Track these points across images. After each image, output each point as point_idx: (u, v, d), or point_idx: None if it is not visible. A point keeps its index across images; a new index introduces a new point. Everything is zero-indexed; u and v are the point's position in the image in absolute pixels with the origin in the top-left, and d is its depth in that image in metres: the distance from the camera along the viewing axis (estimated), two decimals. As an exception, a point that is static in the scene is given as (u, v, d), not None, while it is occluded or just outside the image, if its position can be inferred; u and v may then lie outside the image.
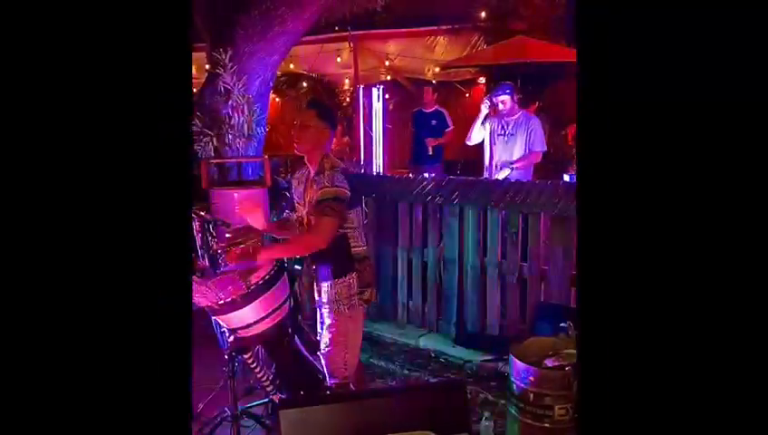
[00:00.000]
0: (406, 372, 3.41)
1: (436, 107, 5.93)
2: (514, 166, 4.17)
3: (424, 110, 5.95)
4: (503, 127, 4.28)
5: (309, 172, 2.38)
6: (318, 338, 2.46)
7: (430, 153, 5.78)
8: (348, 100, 8.40)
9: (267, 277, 2.23)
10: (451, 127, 5.86)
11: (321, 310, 2.40)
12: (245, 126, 4.57)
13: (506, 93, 4.22)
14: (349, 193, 2.24)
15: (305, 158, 2.38)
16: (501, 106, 4.24)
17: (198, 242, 2.25)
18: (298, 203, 2.46)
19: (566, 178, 4.35)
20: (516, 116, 4.24)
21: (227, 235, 2.34)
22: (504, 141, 4.26)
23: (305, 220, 2.37)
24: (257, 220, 2.44)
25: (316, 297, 2.42)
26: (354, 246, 2.32)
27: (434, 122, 5.83)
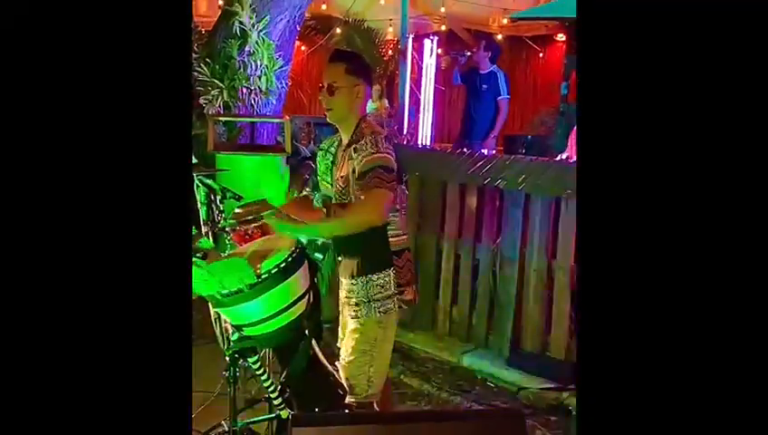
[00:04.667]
0: (444, 395, 3.42)
1: (492, 67, 5.83)
2: None
3: (479, 70, 5.83)
4: None
5: (341, 141, 2.38)
6: (339, 345, 2.48)
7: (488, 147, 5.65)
8: (390, 53, 8.38)
9: (283, 265, 2.23)
10: (505, 96, 5.73)
11: (344, 311, 2.41)
12: (264, 78, 4.60)
13: None
14: (396, 165, 2.24)
15: (338, 125, 2.38)
16: None
17: (202, 216, 2.27)
18: (324, 181, 2.45)
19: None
20: None
21: (237, 210, 2.36)
22: None
23: (335, 202, 2.36)
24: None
25: (340, 295, 2.43)
26: (392, 235, 2.31)
27: (485, 87, 5.72)
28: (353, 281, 2.32)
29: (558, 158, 4.19)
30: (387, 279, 2.29)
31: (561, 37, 7.81)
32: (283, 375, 2.50)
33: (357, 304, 2.32)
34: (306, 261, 2.35)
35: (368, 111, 2.50)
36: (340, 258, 2.40)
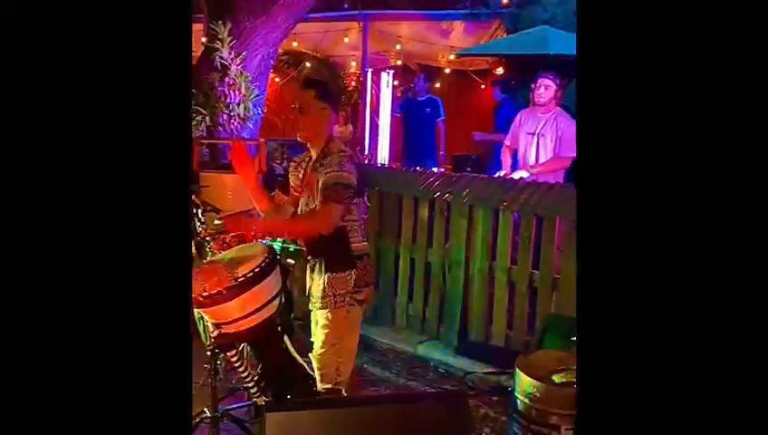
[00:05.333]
0: (402, 380, 3.41)
1: (428, 95, 5.89)
2: (534, 170, 3.97)
3: (417, 98, 5.88)
4: (533, 124, 4.06)
5: (310, 157, 2.37)
6: (310, 339, 2.46)
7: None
8: (354, 84, 8.38)
9: (257, 270, 2.21)
10: (443, 117, 5.80)
11: (314, 309, 2.39)
12: (242, 106, 4.56)
13: (549, 78, 3.95)
14: (356, 181, 2.24)
15: (308, 144, 2.37)
16: (541, 91, 3.97)
17: (185, 228, 2.25)
18: (294, 189, 2.45)
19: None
20: (550, 114, 4.00)
21: (216, 221, 2.33)
22: (532, 141, 4.05)
23: (302, 209, 2.36)
24: (249, 176, 2.39)
25: (310, 294, 2.41)
26: (354, 241, 2.31)
27: (428, 110, 5.77)
28: (321, 280, 2.31)
29: (496, 175, 4.24)
30: (349, 278, 2.29)
31: (499, 71, 7.93)
32: (259, 367, 2.47)
33: (323, 298, 2.30)
34: (278, 266, 2.34)
35: (334, 134, 2.50)
36: (309, 261, 2.39)
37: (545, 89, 3.97)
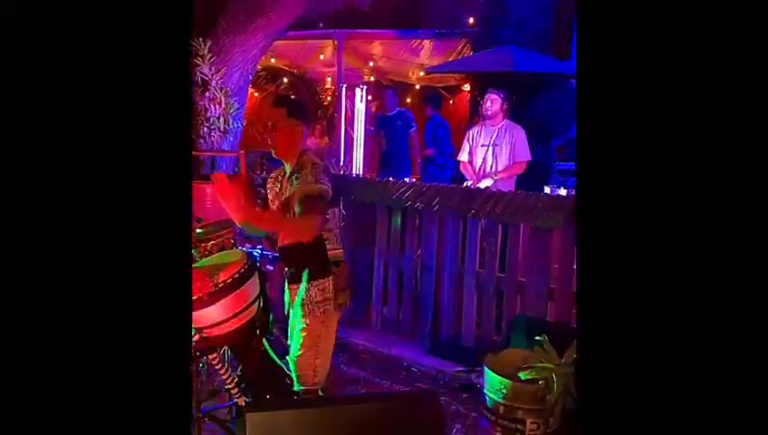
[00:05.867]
0: (377, 380, 3.40)
1: (397, 109, 5.93)
2: (497, 177, 4.17)
3: (385, 114, 5.91)
4: (486, 136, 4.28)
5: (285, 171, 2.36)
6: (289, 342, 2.44)
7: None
8: (329, 99, 8.38)
9: (237, 276, 2.19)
10: (415, 127, 5.85)
11: (293, 313, 2.38)
12: (221, 119, 4.53)
13: (495, 93, 4.20)
14: (331, 192, 2.23)
15: (282, 159, 2.35)
16: (488, 105, 4.21)
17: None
18: (272, 202, 2.43)
19: (547, 190, 4.40)
20: (500, 125, 4.25)
21: (198, 229, 2.30)
22: (488, 151, 4.25)
23: None
24: (233, 204, 2.14)
25: (289, 299, 2.40)
26: (330, 249, 2.30)
27: (399, 123, 5.81)
28: (298, 286, 2.29)
29: (464, 185, 4.28)
30: (327, 285, 2.27)
31: (466, 87, 8.01)
32: (240, 369, 2.44)
33: (302, 306, 2.29)
34: (257, 272, 2.32)
35: (312, 147, 2.49)
36: (288, 268, 2.37)
37: (492, 102, 4.22)
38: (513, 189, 4.13)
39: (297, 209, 2.19)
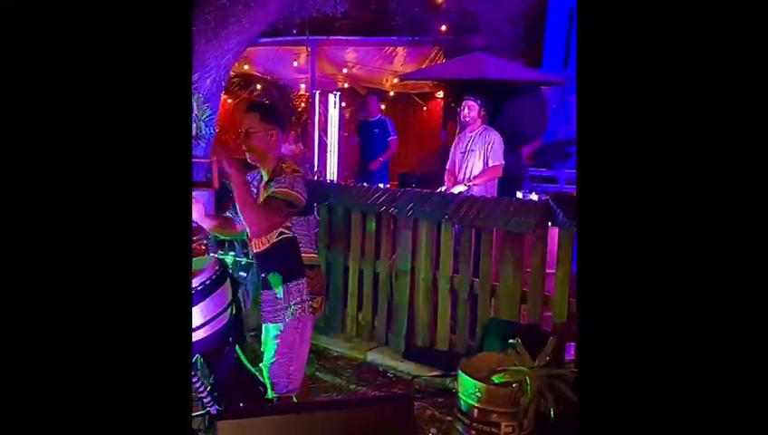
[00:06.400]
0: (352, 386, 3.37)
1: (379, 115, 5.96)
2: (470, 183, 4.19)
3: (368, 119, 5.94)
4: (463, 143, 4.32)
5: (261, 177, 2.34)
6: (262, 349, 2.41)
7: (375, 168, 5.76)
8: (303, 105, 8.36)
9: (208, 282, 2.16)
10: (394, 136, 5.88)
11: (266, 319, 2.35)
12: (194, 125, 4.47)
13: (472, 100, 4.24)
14: (305, 202, 2.21)
15: (258, 165, 2.33)
16: (466, 111, 4.25)
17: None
18: None
19: (519, 195, 4.45)
20: (477, 130, 4.29)
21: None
22: (464, 157, 4.29)
23: None
24: (197, 217, 2.31)
25: (262, 306, 2.37)
26: (305, 253, 2.29)
27: (376, 131, 5.84)
28: (272, 292, 2.27)
29: (438, 190, 4.30)
30: (301, 287, 2.26)
31: (440, 94, 8.07)
32: (212, 377, 2.40)
33: (275, 310, 2.26)
34: (228, 279, 2.29)
35: (286, 153, 2.48)
36: (262, 274, 2.35)
37: (469, 109, 4.27)
38: (495, 194, 4.18)
39: (262, 202, 2.18)
